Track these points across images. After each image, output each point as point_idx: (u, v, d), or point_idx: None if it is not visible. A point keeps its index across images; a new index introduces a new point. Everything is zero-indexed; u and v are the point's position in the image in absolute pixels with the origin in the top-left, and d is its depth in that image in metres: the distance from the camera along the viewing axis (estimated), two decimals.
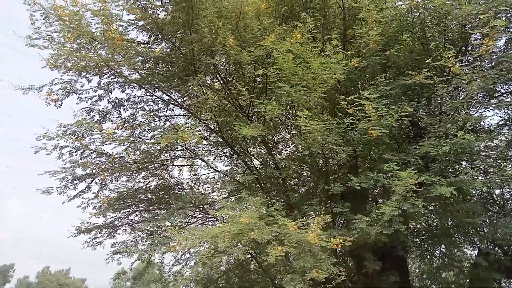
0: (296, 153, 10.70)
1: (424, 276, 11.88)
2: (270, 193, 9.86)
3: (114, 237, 10.66)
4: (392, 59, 8.75)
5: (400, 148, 9.17)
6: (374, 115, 7.23)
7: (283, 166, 9.99)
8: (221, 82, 9.81)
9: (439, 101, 8.98)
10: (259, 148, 11.11)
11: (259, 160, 10.94)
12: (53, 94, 9.01)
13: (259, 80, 9.65)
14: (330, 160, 9.17)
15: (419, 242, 10.88)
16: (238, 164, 11.60)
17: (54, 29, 8.31)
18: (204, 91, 9.08)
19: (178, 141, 8.48)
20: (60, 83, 9.08)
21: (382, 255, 8.49)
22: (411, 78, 7.85)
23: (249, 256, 10.00)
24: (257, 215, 6.94)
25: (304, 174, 11.20)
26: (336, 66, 7.64)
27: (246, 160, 10.30)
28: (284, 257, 6.71)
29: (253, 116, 9.54)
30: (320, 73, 7.69)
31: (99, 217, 10.27)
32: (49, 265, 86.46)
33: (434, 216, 10.50)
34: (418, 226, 10.83)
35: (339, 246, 6.35)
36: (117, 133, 9.31)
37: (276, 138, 10.97)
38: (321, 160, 9.38)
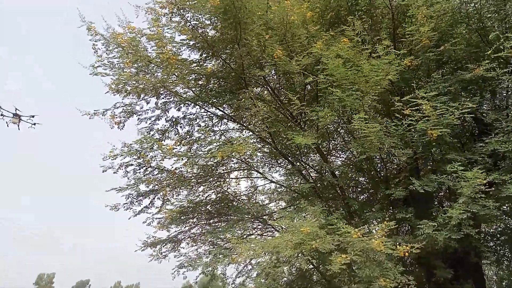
0: (352, 159, 10.47)
1: (504, 283, 11.02)
2: (328, 202, 9.71)
3: (178, 251, 11.02)
4: (448, 54, 8.36)
5: (465, 147, 8.66)
6: (432, 114, 6.92)
7: (339, 173, 9.81)
8: (272, 93, 9.89)
9: (505, 94, 8.41)
10: (314, 156, 11.01)
11: (315, 168, 10.84)
12: (116, 117, 9.55)
13: (309, 88, 9.62)
14: (389, 164, 8.87)
15: (494, 246, 10.13)
16: (294, 174, 11.56)
17: (114, 55, 8.86)
18: (255, 103, 9.20)
19: (233, 153, 8.64)
20: (122, 106, 9.64)
21: (453, 262, 8.00)
22: (470, 72, 7.44)
23: (311, 266, 9.85)
24: (318, 224, 6.85)
25: (362, 180, 10.91)
26: (388, 67, 7.42)
27: (301, 169, 10.24)
28: (348, 266, 6.55)
29: (305, 125, 9.50)
30: (372, 75, 7.52)
31: (162, 231, 10.71)
32: (120, 280, 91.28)
33: (509, 218, 9.75)
34: (492, 230, 10.10)
35: (406, 253, 6.08)
36: (175, 148, 9.67)
37: (330, 145, 10.80)
38: (379, 165, 9.10)
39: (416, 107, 7.06)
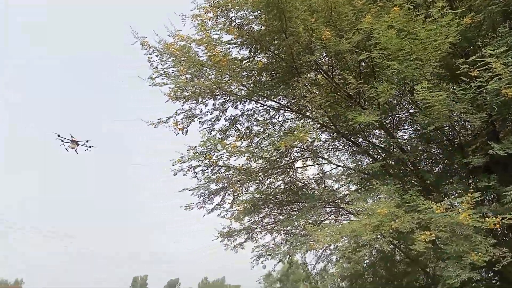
0: (421, 130, 9.99)
1: None
2: (400, 179, 9.39)
3: (256, 241, 11.35)
4: None
5: None
6: (504, 71, 6.40)
7: (409, 147, 9.43)
8: (325, 76, 9.72)
9: None
10: (380, 133, 10.67)
11: (381, 146, 10.52)
12: (179, 123, 9.92)
13: (363, 65, 9.31)
14: (462, 131, 8.36)
15: None
16: (361, 154, 11.31)
17: (168, 65, 9.20)
18: (310, 89, 9.11)
19: (296, 142, 8.63)
20: (182, 112, 9.99)
21: None
22: None
23: (392, 246, 9.63)
24: (394, 203, 6.66)
25: (435, 152, 10.39)
26: (447, 29, 6.96)
27: (368, 149, 9.99)
28: (432, 243, 6.31)
29: (365, 103, 9.23)
30: (429, 41, 7.10)
31: (236, 223, 11.10)
32: (206, 275, 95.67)
33: None
34: None
35: (497, 225, 5.71)
36: (238, 146, 9.88)
37: (395, 119, 10.40)
38: (451, 133, 8.61)
39: (484, 67, 6.58)
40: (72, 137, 30.20)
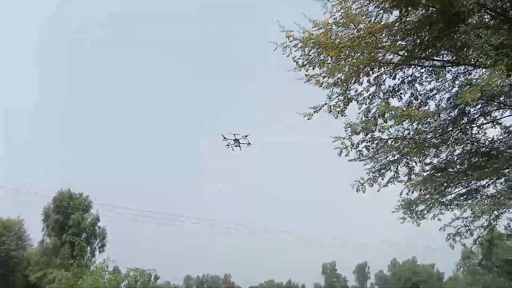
0: None
1: None
2: None
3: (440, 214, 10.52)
4: None
5: None
6: None
7: None
8: (495, 14, 8.33)
9: None
10: None
11: None
12: (336, 107, 9.81)
13: None
14: None
15: None
16: None
17: (314, 53, 9.07)
18: (480, 33, 7.91)
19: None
20: (337, 96, 9.73)
21: None
22: None
23: None
24: None
25: None
26: None
27: None
28: None
29: None
30: None
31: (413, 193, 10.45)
32: (395, 257, 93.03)
33: None
34: None
35: None
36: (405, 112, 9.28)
37: None
38: None
39: None
40: (234, 135, 31.05)
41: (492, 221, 10.48)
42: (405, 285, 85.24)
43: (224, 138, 30.13)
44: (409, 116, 8.65)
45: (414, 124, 9.34)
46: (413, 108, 9.09)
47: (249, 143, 31.40)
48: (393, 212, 11.03)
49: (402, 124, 9.00)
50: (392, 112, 8.91)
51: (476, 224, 9.59)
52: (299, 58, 9.17)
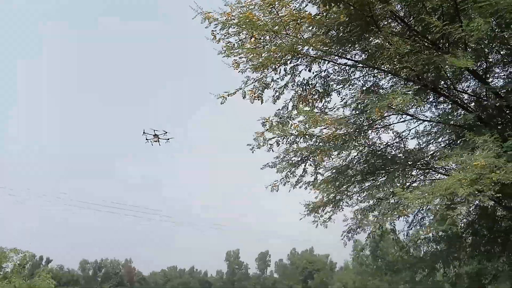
0: None
1: None
2: (498, 128, 8.32)
3: (341, 210, 11.01)
4: None
5: None
6: None
7: (504, 92, 8.28)
8: (403, 24, 8.83)
9: None
10: (468, 81, 9.53)
11: (473, 94, 9.40)
12: (253, 93, 9.60)
13: (445, 6, 8.27)
14: None
15: None
16: (450, 105, 10.24)
17: (235, 34, 8.72)
18: (390, 40, 8.30)
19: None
20: (252, 82, 9.44)
21: None
22: None
23: (493, 202, 8.68)
24: (492, 154, 5.91)
25: None
26: None
27: (459, 100, 8.99)
28: None
29: (450, 48, 8.22)
30: None
31: (321, 194, 10.80)
32: (294, 247, 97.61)
33: None
34: None
35: None
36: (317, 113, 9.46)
37: (488, 63, 9.18)
38: None
39: None
40: (154, 131, 33.28)
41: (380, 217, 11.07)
42: (302, 273, 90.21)
43: (144, 133, 31.70)
44: (324, 121, 8.84)
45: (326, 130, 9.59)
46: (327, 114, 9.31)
47: (168, 139, 34.05)
48: (301, 219, 11.15)
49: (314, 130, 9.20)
50: (307, 116, 9.05)
51: (367, 222, 10.11)
52: (217, 34, 8.78)
